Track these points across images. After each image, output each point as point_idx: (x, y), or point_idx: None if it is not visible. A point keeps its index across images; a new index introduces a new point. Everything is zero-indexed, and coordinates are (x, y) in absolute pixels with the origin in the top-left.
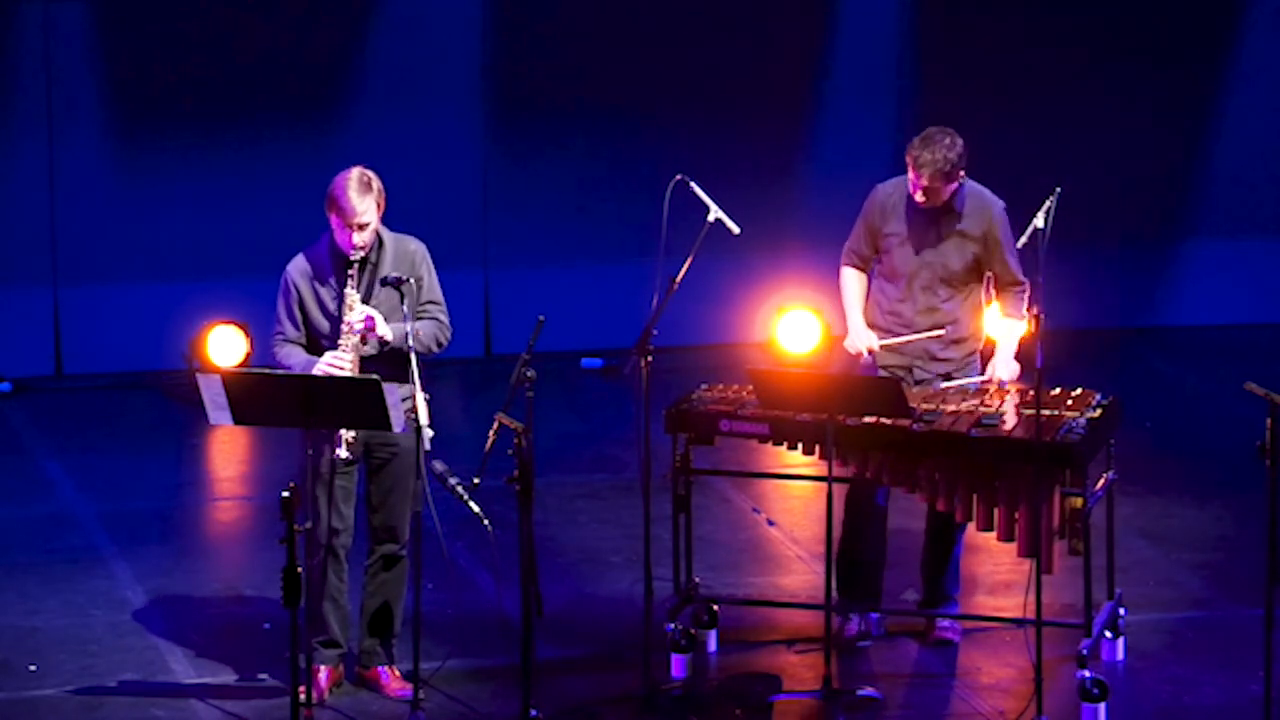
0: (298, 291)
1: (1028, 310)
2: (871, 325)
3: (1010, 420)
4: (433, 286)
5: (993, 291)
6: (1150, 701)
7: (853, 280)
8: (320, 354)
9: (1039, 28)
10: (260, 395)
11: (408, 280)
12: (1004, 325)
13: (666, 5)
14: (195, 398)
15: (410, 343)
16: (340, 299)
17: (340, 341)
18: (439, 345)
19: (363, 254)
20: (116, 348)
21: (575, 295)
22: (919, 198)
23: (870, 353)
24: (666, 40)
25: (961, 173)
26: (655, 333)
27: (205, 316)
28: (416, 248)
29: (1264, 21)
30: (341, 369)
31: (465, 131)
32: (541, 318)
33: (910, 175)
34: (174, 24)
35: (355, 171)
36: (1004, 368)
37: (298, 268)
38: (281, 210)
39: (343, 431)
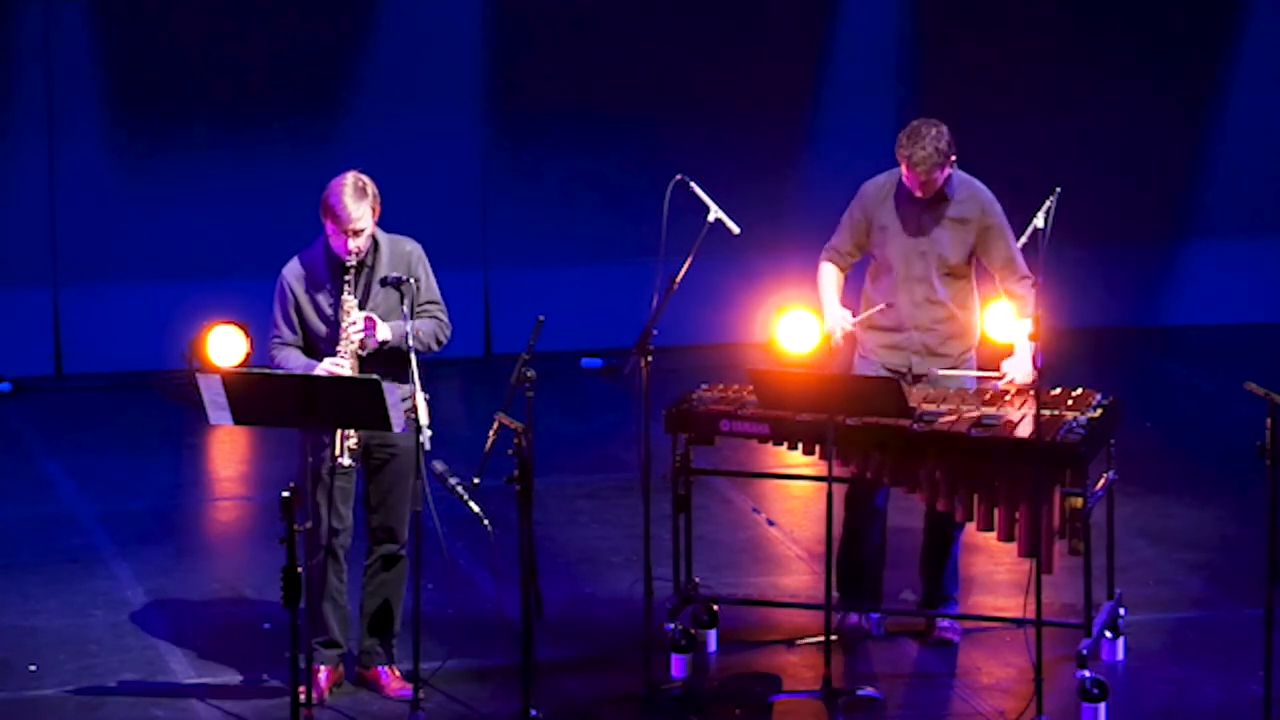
0: (293, 296)
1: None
2: (872, 328)
3: (1010, 420)
4: (430, 286)
5: (1001, 289)
6: (1150, 701)
7: (829, 272)
8: (318, 356)
9: (1039, 28)
10: (260, 395)
11: (407, 280)
12: (1020, 326)
13: (666, 5)
14: (195, 398)
15: (410, 342)
16: (337, 303)
17: (338, 348)
18: (439, 344)
19: (358, 259)
20: (116, 348)
21: (575, 295)
22: (919, 192)
23: (844, 334)
24: (666, 40)
25: (953, 157)
26: (655, 333)
27: (205, 316)
28: (412, 248)
29: (1265, 21)
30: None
31: (465, 131)
32: (541, 318)
33: (905, 174)
34: (174, 24)
35: (350, 177)
36: (1020, 369)
37: (293, 272)
38: (281, 210)
39: (348, 438)
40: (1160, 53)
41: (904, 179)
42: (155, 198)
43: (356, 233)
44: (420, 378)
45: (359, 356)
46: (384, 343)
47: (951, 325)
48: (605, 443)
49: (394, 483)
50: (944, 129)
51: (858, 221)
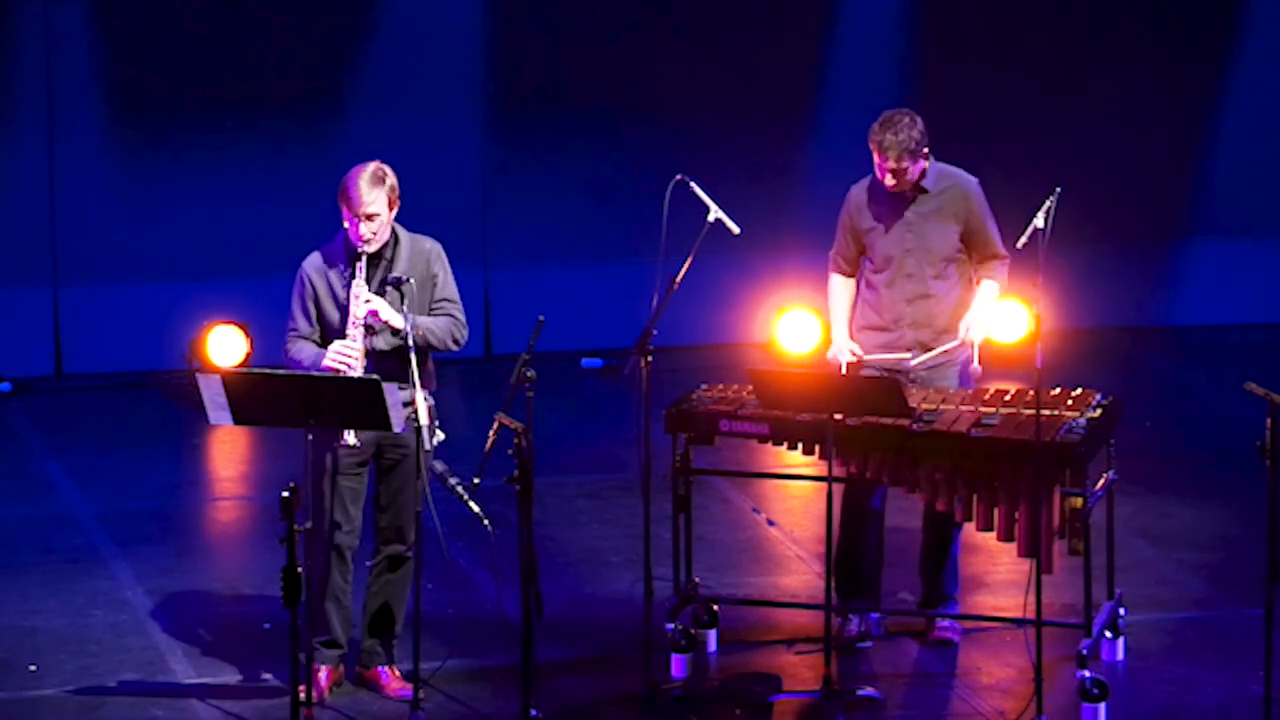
0: (312, 286)
1: (1014, 285)
2: (865, 327)
3: (1010, 420)
4: (448, 284)
5: (976, 264)
6: (1150, 701)
7: (839, 287)
8: None
9: (1039, 28)
10: (260, 395)
11: (407, 280)
12: (983, 286)
13: (666, 5)
14: (195, 398)
15: (410, 340)
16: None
17: (348, 332)
18: (455, 342)
19: (372, 247)
20: (116, 348)
21: (575, 295)
22: (889, 181)
23: (855, 363)
24: (666, 40)
25: (926, 149)
26: (655, 333)
27: (205, 316)
28: (431, 246)
29: (1265, 21)
30: (350, 357)
31: (465, 131)
32: (541, 318)
33: (876, 160)
34: (174, 24)
35: (371, 165)
36: (977, 326)
37: (312, 264)
38: (281, 210)
39: None
40: (1160, 52)
41: (875, 169)
42: (155, 198)
43: (369, 217)
44: (423, 376)
45: (369, 343)
46: (395, 330)
47: (946, 319)
48: (605, 443)
49: (404, 483)
50: (918, 119)
51: (848, 227)
